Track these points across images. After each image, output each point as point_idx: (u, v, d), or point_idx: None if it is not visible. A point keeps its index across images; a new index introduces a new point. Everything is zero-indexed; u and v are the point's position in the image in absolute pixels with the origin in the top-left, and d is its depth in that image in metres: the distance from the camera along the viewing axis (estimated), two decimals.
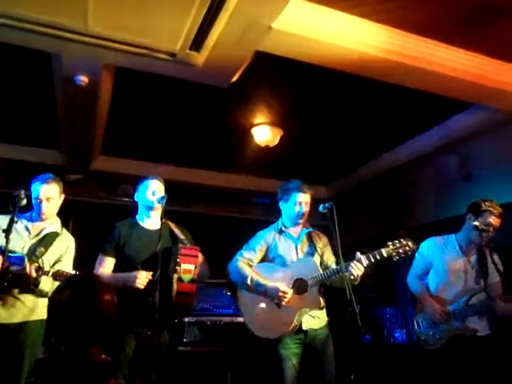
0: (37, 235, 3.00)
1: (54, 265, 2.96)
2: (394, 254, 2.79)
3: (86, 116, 4.24)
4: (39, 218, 3.03)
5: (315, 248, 3.02)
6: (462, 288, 3.12)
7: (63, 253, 3.06)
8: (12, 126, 4.89)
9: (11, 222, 2.66)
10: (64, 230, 3.16)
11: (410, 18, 3.10)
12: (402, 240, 2.81)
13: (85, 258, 3.17)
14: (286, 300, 2.94)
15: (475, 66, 3.49)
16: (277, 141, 4.99)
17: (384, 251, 2.82)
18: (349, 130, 4.96)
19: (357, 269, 2.82)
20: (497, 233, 3.08)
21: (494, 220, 3.06)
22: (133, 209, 3.24)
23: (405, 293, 5.46)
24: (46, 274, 2.79)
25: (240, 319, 5.00)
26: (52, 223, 3.10)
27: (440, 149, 4.96)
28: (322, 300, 2.96)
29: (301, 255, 3.11)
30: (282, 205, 3.26)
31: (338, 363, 3.01)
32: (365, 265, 2.84)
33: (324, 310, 3.10)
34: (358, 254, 2.87)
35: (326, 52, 3.20)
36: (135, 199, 3.18)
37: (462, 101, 4.04)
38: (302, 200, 3.14)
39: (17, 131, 5.03)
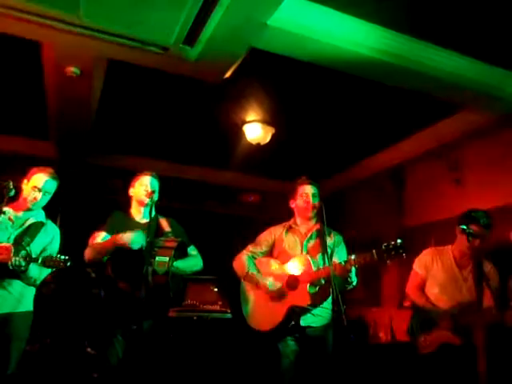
0: (21, 225, 2.95)
1: (39, 255, 2.92)
2: (386, 255, 2.74)
3: (77, 108, 4.20)
4: (27, 207, 2.97)
5: (325, 246, 3.00)
6: (456, 299, 3.13)
7: (48, 243, 3.02)
8: (2, 116, 4.82)
9: None
10: (49, 220, 3.11)
11: (405, 19, 3.12)
12: (392, 243, 2.75)
13: (76, 251, 3.16)
14: (274, 293, 3.00)
15: (468, 69, 3.51)
16: (268, 138, 4.98)
17: (375, 253, 2.77)
18: (340, 130, 4.97)
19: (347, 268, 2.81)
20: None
21: (478, 228, 3.03)
22: (124, 203, 3.23)
23: (390, 294, 5.52)
24: (35, 261, 2.77)
25: (227, 315, 5.01)
26: (36, 213, 3.05)
27: (430, 152, 4.99)
28: (309, 298, 2.93)
29: (306, 252, 3.11)
30: (293, 204, 3.29)
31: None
32: (355, 265, 2.83)
33: (328, 308, 3.05)
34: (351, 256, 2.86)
35: (319, 50, 3.21)
36: (129, 193, 3.17)
37: (455, 104, 4.07)
38: (308, 191, 3.17)
39: (6, 121, 4.97)
